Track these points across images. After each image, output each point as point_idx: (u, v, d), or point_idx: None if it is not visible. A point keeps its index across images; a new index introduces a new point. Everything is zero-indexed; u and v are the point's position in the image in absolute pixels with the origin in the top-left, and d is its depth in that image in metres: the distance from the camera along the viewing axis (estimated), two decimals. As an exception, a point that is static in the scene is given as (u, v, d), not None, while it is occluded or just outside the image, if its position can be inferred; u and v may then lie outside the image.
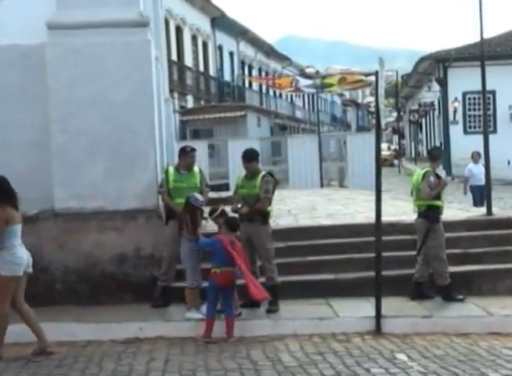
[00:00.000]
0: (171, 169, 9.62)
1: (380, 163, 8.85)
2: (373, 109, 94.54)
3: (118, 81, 9.69)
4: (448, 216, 11.32)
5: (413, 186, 9.79)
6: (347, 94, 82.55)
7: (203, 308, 8.47)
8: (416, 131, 54.05)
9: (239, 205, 9.07)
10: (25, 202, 9.62)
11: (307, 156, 23.46)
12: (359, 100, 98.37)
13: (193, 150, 9.64)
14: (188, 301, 8.75)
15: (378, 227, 8.62)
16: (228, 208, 9.16)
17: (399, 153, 50.29)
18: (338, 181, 24.59)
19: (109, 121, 9.67)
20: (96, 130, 9.66)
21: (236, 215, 9.03)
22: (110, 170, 9.68)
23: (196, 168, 9.66)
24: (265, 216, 9.14)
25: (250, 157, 9.27)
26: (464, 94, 35.64)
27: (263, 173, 9.30)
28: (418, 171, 9.86)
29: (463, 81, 34.05)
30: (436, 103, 41.50)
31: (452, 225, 10.58)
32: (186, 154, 9.54)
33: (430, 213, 9.50)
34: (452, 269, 9.63)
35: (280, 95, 57.64)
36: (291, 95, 59.44)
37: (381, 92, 8.69)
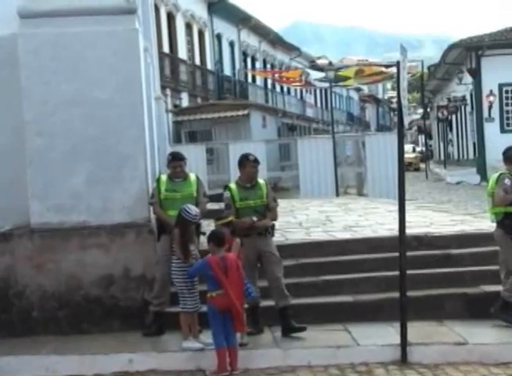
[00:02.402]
0: (164, 177, 9.65)
1: (404, 167, 8.86)
2: (395, 105, 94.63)
3: (102, 76, 9.71)
4: (484, 227, 11.33)
5: (489, 193, 9.77)
6: (365, 88, 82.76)
7: (213, 338, 8.41)
8: (446, 130, 54.06)
9: (255, 218, 9.13)
10: (-4, 216, 9.69)
11: (320, 160, 23.50)
12: (379, 95, 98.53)
13: (177, 158, 9.62)
14: (183, 329, 8.74)
15: (402, 241, 8.61)
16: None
17: (426, 156, 50.29)
18: (356, 188, 24.64)
19: (91, 122, 9.69)
20: (77, 133, 9.68)
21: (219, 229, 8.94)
22: (94, 178, 9.69)
23: (192, 176, 9.69)
24: (273, 227, 9.39)
25: (258, 161, 9.43)
26: (501, 86, 35.68)
27: (263, 180, 9.50)
28: (494, 175, 9.86)
29: (498, 71, 34.13)
30: (468, 98, 41.52)
31: (487, 238, 10.60)
32: (168, 163, 9.61)
33: (506, 221, 9.49)
34: (492, 287, 9.70)
35: (288, 90, 57.80)
36: (301, 91, 59.59)
37: (404, 85, 8.69)
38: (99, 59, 9.73)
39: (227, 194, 9.28)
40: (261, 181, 9.43)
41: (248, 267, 8.89)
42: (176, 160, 9.58)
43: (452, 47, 38.92)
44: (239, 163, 9.44)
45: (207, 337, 8.56)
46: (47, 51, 9.69)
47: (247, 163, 9.35)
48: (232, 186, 9.38)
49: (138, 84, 9.91)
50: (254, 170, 9.36)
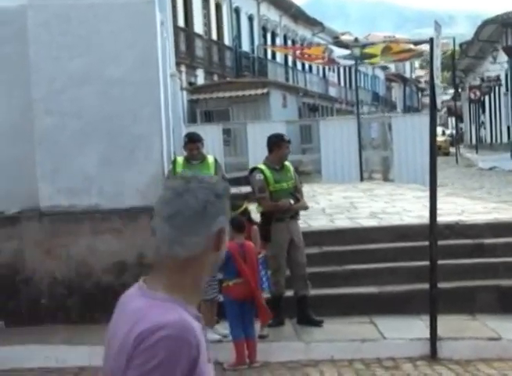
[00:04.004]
0: (180, 159, 9.68)
1: (436, 151, 8.86)
2: (423, 85, 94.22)
3: (116, 51, 9.73)
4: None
5: None
6: (391, 67, 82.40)
7: (230, 329, 8.46)
8: (478, 112, 53.84)
9: (292, 201, 9.18)
10: (4, 199, 9.75)
11: (343, 143, 23.47)
12: (407, 74, 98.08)
13: (193, 139, 9.64)
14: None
15: (432, 229, 8.62)
16: (252, 206, 9.24)
17: (456, 140, 50.12)
18: (382, 173, 24.61)
19: (104, 100, 9.72)
20: (89, 111, 9.71)
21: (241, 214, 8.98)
22: (106, 160, 9.73)
23: (210, 158, 9.71)
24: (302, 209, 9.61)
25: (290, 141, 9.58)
26: (538, 65, 35.46)
27: (288, 162, 9.51)
28: None
29: (536, 49, 33.85)
30: (503, 77, 41.32)
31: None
32: (185, 145, 9.64)
33: None
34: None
35: (310, 68, 57.67)
36: (324, 69, 59.45)
37: (437, 64, 8.67)
38: (114, 33, 9.73)
39: (260, 176, 9.21)
40: (286, 162, 9.45)
41: (281, 255, 9.00)
42: (193, 141, 9.60)
43: (486, 23, 38.65)
44: (272, 143, 9.38)
45: (224, 328, 8.61)
46: (58, 24, 9.70)
47: (283, 143, 9.35)
48: (263, 167, 9.34)
49: (155, 60, 9.91)
50: (288, 151, 9.41)
